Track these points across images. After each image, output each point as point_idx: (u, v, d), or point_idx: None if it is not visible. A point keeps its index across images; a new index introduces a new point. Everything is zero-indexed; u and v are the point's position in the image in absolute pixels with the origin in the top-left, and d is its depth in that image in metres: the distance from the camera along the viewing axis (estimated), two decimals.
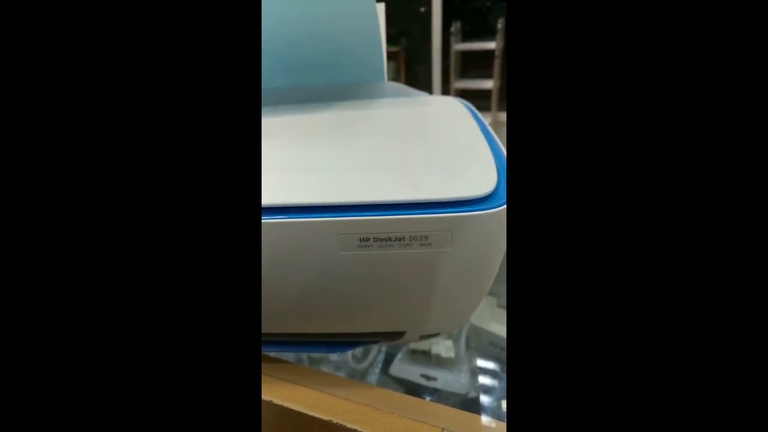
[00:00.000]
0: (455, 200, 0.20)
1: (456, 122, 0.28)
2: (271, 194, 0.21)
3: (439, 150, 0.24)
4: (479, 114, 0.31)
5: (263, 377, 0.28)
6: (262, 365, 0.29)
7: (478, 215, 0.20)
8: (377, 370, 0.44)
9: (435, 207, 0.20)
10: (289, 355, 0.38)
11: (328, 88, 0.35)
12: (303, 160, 0.24)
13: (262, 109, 0.32)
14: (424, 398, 0.41)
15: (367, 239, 0.20)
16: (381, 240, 0.20)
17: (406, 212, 0.20)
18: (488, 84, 2.52)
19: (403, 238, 0.20)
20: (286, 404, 0.26)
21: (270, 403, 0.26)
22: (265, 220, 0.20)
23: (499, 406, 0.41)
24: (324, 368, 0.43)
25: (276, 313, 0.24)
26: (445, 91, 2.72)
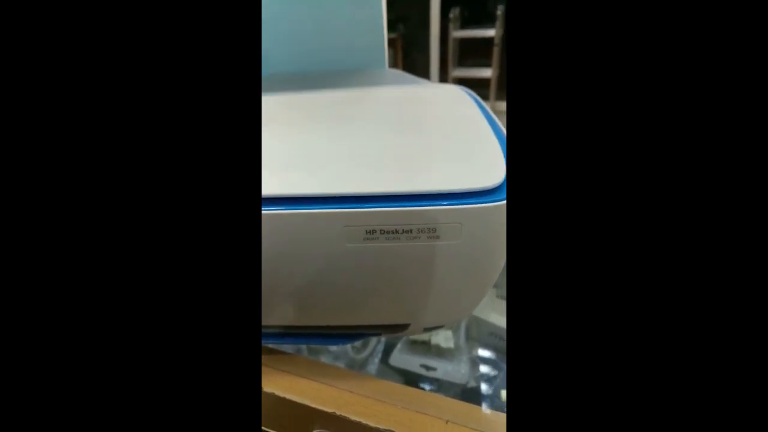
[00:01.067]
0: (465, 192, 0.19)
1: (461, 111, 0.28)
2: (276, 185, 0.20)
3: (447, 140, 0.23)
4: (483, 102, 0.30)
5: (264, 369, 0.28)
6: (263, 357, 0.29)
7: (489, 207, 0.19)
8: (377, 360, 0.44)
9: (444, 198, 0.19)
10: (288, 346, 0.37)
11: (329, 74, 0.34)
12: (309, 150, 0.23)
13: (265, 97, 0.32)
14: (423, 388, 0.41)
15: (374, 231, 0.20)
16: (388, 232, 0.20)
17: (414, 204, 0.19)
18: (487, 72, 2.49)
19: (411, 230, 0.20)
20: (288, 396, 0.26)
21: (272, 395, 0.26)
22: (271, 211, 0.20)
23: (498, 395, 0.41)
24: (323, 358, 0.43)
25: (280, 305, 0.24)
26: (443, 79, 2.69)
